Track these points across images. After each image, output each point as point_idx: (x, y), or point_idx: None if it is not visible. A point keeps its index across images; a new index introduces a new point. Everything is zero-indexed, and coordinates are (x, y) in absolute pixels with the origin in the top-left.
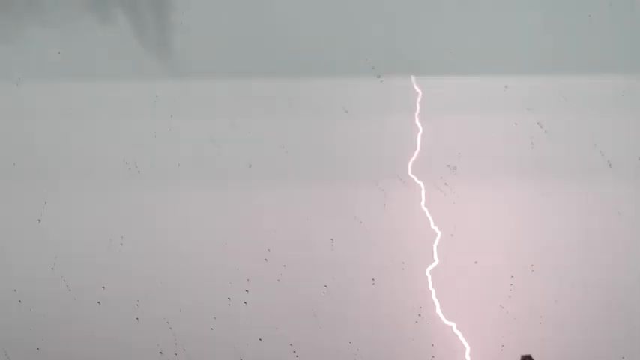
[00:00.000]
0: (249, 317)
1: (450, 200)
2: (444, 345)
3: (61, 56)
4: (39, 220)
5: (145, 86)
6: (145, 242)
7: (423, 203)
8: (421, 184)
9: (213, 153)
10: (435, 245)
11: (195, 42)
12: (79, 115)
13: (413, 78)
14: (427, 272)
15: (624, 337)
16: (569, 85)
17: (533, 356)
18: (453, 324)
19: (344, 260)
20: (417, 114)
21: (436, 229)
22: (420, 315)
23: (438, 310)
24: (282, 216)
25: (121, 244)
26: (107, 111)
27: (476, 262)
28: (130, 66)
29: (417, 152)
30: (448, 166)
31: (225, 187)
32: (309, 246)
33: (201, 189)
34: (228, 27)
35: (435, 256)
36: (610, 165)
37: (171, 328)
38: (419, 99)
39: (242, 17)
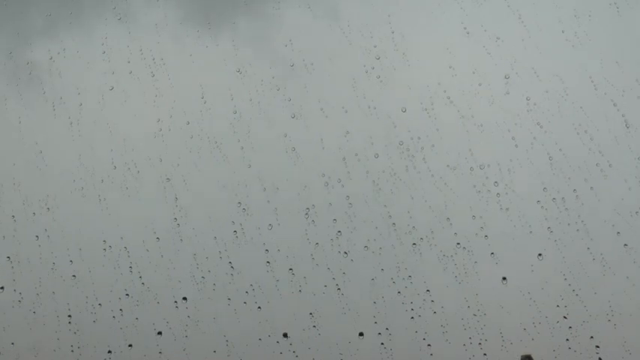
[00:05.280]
0: (249, 317)
1: (450, 200)
2: (443, 345)
3: (62, 57)
4: (35, 213)
5: (144, 86)
6: (145, 243)
7: (422, 203)
8: (421, 184)
9: (214, 154)
10: (434, 245)
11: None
12: (79, 120)
13: (411, 79)
14: (426, 272)
15: (625, 338)
16: (570, 85)
17: (533, 356)
18: (452, 324)
19: (344, 260)
20: (415, 115)
21: (435, 228)
22: (420, 316)
23: (437, 310)
24: (282, 217)
25: (124, 246)
26: (107, 113)
27: (476, 262)
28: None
29: (416, 153)
30: (448, 166)
31: (225, 188)
32: (310, 247)
33: (201, 189)
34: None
35: (435, 257)
36: (610, 165)
37: (170, 328)
38: (417, 100)
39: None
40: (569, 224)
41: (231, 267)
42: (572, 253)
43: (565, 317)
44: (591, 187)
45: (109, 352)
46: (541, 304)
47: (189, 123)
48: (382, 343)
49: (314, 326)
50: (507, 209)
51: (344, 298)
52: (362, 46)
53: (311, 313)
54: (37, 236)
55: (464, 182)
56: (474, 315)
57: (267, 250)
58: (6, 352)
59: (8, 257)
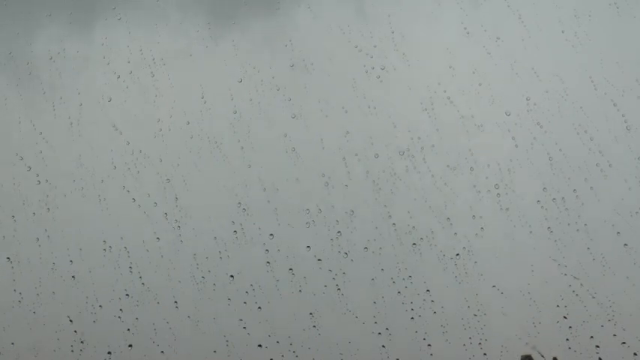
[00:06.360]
0: (249, 317)
1: (450, 200)
2: (443, 345)
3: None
4: (34, 213)
5: (144, 86)
6: (145, 243)
7: (422, 203)
8: (421, 184)
9: (214, 154)
10: (434, 245)
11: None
12: (79, 120)
13: (411, 79)
14: (426, 272)
15: (625, 338)
16: (570, 85)
17: (533, 356)
18: (452, 324)
19: (343, 261)
20: (415, 115)
21: (435, 228)
22: (420, 316)
23: (437, 310)
24: (282, 217)
25: (124, 246)
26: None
27: (476, 262)
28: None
29: (416, 153)
30: (448, 166)
31: (225, 188)
32: (309, 248)
33: (201, 189)
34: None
35: (435, 257)
36: (610, 165)
37: (170, 328)
38: (417, 100)
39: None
40: (569, 224)
41: (231, 277)
42: (572, 253)
43: (565, 317)
44: (591, 187)
45: (109, 352)
46: (541, 304)
47: (189, 123)
48: (383, 346)
49: (314, 326)
50: (507, 209)
51: (344, 298)
52: (362, 46)
53: (311, 314)
54: (37, 238)
55: (464, 182)
56: (474, 315)
57: (267, 250)
58: (6, 352)
59: (8, 258)
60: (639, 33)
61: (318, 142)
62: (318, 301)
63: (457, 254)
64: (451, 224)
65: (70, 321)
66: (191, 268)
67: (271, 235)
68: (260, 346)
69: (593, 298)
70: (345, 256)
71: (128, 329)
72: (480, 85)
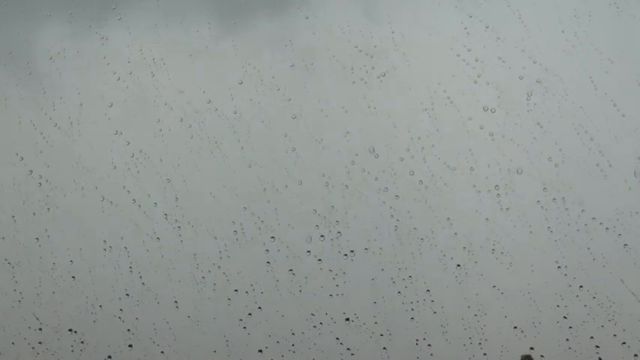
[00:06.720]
0: (249, 318)
1: (450, 200)
2: (443, 345)
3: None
4: (35, 213)
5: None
6: (145, 243)
7: (423, 203)
8: (421, 184)
9: (214, 154)
10: (434, 245)
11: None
12: (79, 120)
13: (411, 79)
14: (426, 272)
15: (625, 338)
16: (569, 86)
17: (533, 356)
18: (452, 324)
19: (344, 260)
20: (415, 115)
21: (435, 228)
22: (420, 315)
23: (437, 310)
24: (282, 217)
25: (124, 246)
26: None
27: (476, 262)
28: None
29: (416, 153)
30: (448, 166)
31: (225, 188)
32: (309, 250)
33: (201, 189)
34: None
35: (435, 257)
36: (610, 165)
37: (170, 328)
38: (417, 100)
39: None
40: (569, 224)
41: (235, 291)
42: (572, 253)
43: (565, 317)
44: (591, 187)
45: (109, 357)
46: (541, 304)
47: (189, 124)
48: (384, 348)
49: (314, 326)
50: (507, 209)
51: (344, 298)
52: (362, 46)
53: (312, 314)
54: (37, 238)
55: (464, 182)
56: (474, 315)
57: (267, 250)
58: (6, 352)
59: (6, 259)
60: (639, 33)
61: (318, 142)
62: (318, 302)
63: (458, 265)
64: (451, 224)
65: (69, 330)
66: (191, 268)
67: (272, 237)
68: (260, 351)
69: (594, 298)
70: (346, 257)
71: (128, 329)
72: (479, 85)
